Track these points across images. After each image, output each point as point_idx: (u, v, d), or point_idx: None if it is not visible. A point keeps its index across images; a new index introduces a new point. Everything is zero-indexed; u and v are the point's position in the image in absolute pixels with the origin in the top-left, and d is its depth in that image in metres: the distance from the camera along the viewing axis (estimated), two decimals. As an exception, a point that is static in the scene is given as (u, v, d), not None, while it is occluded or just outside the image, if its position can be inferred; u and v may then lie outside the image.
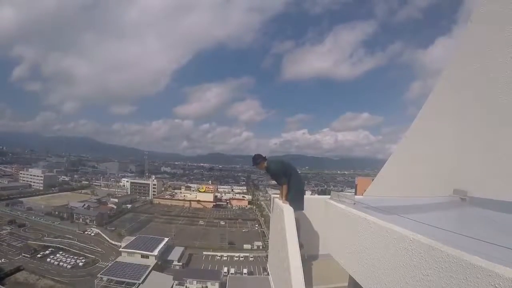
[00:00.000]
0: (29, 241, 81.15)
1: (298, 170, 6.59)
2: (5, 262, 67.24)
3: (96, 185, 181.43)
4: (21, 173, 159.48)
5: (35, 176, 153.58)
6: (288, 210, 5.01)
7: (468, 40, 4.16)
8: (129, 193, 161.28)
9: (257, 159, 5.99)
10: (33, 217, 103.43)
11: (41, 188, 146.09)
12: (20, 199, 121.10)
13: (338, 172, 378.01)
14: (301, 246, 4.55)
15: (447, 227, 2.33)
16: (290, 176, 5.85)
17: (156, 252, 74.09)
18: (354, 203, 3.51)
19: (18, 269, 64.09)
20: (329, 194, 4.38)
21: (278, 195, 6.16)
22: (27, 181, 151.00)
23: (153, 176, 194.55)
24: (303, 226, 6.01)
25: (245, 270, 75.27)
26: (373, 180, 7.07)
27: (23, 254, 72.85)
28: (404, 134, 5.72)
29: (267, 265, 8.29)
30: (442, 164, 4.51)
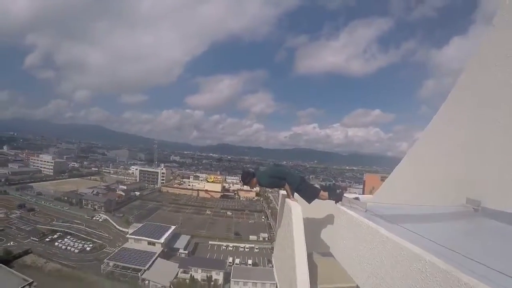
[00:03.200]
0: (38, 225, 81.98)
1: (290, 169, 6.26)
2: (14, 245, 68.11)
3: (105, 172, 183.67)
4: (31, 159, 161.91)
5: (45, 162, 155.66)
6: (296, 209, 4.78)
7: (490, 45, 3.94)
8: (137, 180, 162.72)
9: (246, 178, 5.47)
10: (43, 202, 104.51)
11: (51, 174, 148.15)
12: (30, 184, 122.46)
13: (347, 167, 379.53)
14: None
15: (463, 243, 2.37)
16: (286, 177, 5.41)
17: (162, 240, 74.65)
18: (366, 211, 3.46)
19: (26, 252, 64.75)
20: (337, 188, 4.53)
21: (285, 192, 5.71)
22: (37, 166, 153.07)
23: (162, 165, 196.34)
24: (311, 224, 5.89)
25: (249, 261, 75.62)
26: (381, 177, 6.92)
27: (31, 238, 73.65)
28: (417, 134, 5.71)
29: (272, 257, 8.32)
30: (456, 171, 4.34)
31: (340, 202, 4.02)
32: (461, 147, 4.28)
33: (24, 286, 45.25)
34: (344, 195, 5.11)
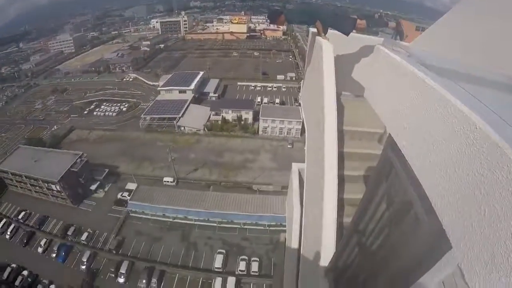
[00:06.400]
0: (74, 102, 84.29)
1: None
2: (58, 128, 71.74)
3: (125, 32, 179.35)
4: (50, 44, 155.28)
5: (64, 41, 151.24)
6: (327, 47, 4.50)
7: None
8: (160, 33, 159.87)
9: (272, 15, 4.95)
10: (72, 79, 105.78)
11: (73, 51, 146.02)
12: (56, 68, 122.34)
13: (381, 10, 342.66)
14: None
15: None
16: (318, 13, 4.94)
17: (192, 86, 75.56)
18: (409, 56, 2.71)
19: (70, 130, 68.91)
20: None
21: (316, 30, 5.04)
22: (58, 49, 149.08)
23: (183, 12, 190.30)
24: (343, 63, 5.32)
25: (277, 100, 76.96)
26: (417, 27, 6.15)
27: (71, 116, 76.98)
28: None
29: (299, 96, 9.33)
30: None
31: (380, 43, 3.08)
32: None
33: (76, 160, 48.86)
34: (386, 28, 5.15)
